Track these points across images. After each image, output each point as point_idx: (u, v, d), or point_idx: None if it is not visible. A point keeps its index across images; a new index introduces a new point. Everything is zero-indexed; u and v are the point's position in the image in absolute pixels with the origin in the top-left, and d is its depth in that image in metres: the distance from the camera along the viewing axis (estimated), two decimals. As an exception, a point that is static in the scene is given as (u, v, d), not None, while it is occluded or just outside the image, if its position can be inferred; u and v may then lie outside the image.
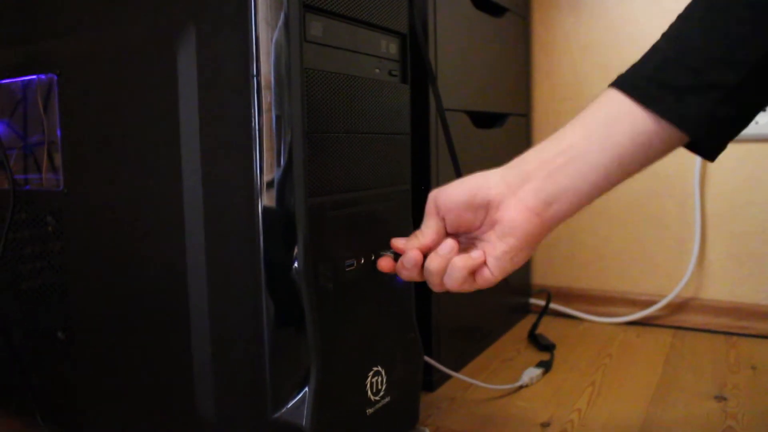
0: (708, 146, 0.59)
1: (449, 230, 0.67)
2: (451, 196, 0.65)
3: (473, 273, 0.64)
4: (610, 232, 1.48)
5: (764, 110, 0.60)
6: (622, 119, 0.58)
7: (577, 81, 1.48)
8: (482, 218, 0.64)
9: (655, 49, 0.60)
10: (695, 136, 0.57)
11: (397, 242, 0.69)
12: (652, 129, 0.58)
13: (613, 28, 1.44)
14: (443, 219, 0.66)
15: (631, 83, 0.59)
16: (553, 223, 0.62)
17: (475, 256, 0.63)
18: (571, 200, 0.61)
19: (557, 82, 1.50)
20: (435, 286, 0.66)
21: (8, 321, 0.94)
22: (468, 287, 0.64)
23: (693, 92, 0.56)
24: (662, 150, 0.59)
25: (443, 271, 0.64)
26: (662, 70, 0.58)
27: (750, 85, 0.55)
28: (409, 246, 0.67)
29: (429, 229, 0.67)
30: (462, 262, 0.63)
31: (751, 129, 1.30)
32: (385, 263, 0.70)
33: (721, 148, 0.60)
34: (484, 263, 0.63)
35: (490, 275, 0.63)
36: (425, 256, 0.67)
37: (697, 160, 1.35)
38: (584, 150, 0.60)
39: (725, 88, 0.55)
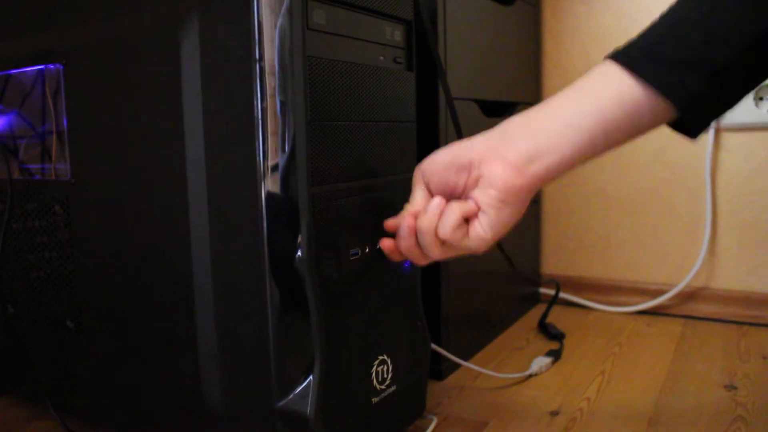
0: (692, 123, 0.60)
1: (435, 195, 0.67)
2: (434, 160, 0.66)
3: (466, 222, 0.65)
4: (620, 222, 1.47)
5: (754, 91, 0.60)
6: (609, 84, 0.59)
7: (587, 70, 1.45)
8: (465, 180, 0.64)
9: (653, 26, 0.60)
10: (681, 107, 0.57)
11: (389, 221, 0.70)
12: (640, 97, 0.58)
13: (624, 17, 1.42)
14: (428, 185, 0.67)
15: (623, 54, 0.60)
16: (535, 181, 0.62)
17: (469, 203, 0.64)
18: (552, 159, 0.61)
19: (567, 70, 1.49)
20: (431, 248, 0.66)
21: (20, 309, 0.94)
22: (460, 238, 0.64)
23: (684, 65, 0.56)
24: (650, 121, 0.59)
25: (434, 227, 0.65)
26: (656, 44, 0.58)
27: (743, 64, 0.55)
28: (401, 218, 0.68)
29: (417, 196, 0.68)
30: (456, 205, 0.64)
31: (764, 117, 1.29)
32: (387, 243, 0.71)
33: (704, 126, 0.60)
34: (477, 216, 0.64)
35: (480, 230, 0.63)
36: None
37: (708, 148, 1.34)
38: (567, 111, 0.61)
39: (717, 64, 0.55)
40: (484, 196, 0.63)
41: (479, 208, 0.63)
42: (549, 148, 0.60)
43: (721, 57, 0.55)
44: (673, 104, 0.57)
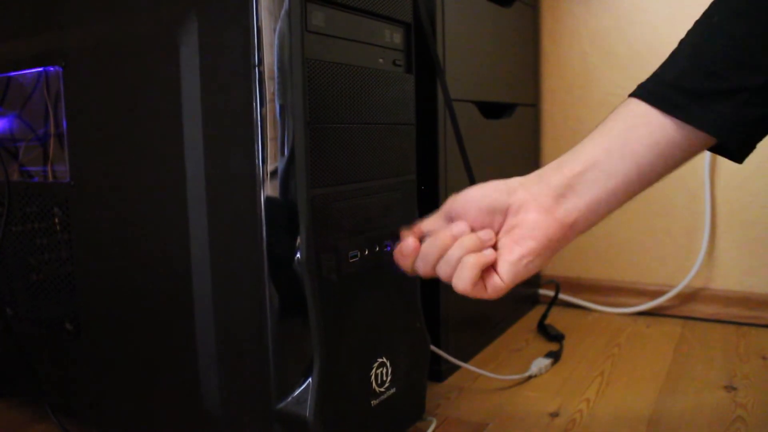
0: (736, 148, 0.59)
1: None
2: (468, 198, 0.63)
3: (483, 278, 0.61)
4: (619, 223, 1.47)
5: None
6: (640, 126, 0.58)
7: (586, 70, 1.47)
8: (499, 224, 0.62)
9: (674, 56, 0.59)
10: (724, 139, 0.57)
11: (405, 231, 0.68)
12: (673, 136, 0.57)
13: (623, 17, 1.42)
14: (452, 221, 0.64)
15: (650, 91, 0.58)
16: (573, 232, 0.61)
17: (487, 253, 0.61)
18: (589, 208, 0.60)
19: (566, 71, 1.49)
20: (429, 273, 0.64)
21: (19, 311, 0.94)
22: (478, 292, 0.62)
23: (717, 97, 0.55)
24: (684, 157, 0.59)
25: (437, 255, 0.62)
26: (683, 77, 0.57)
27: None
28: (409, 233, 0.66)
29: (432, 220, 0.65)
30: (474, 258, 0.60)
31: (763, 117, 1.29)
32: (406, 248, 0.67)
33: (750, 149, 0.59)
34: (495, 270, 0.61)
35: (500, 282, 0.60)
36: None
37: (708, 149, 1.34)
38: (602, 158, 0.59)
39: (749, 91, 0.55)
40: (518, 247, 0.60)
41: (501, 260, 0.61)
42: (586, 196, 0.60)
43: (752, 84, 0.54)
44: (716, 137, 0.56)
